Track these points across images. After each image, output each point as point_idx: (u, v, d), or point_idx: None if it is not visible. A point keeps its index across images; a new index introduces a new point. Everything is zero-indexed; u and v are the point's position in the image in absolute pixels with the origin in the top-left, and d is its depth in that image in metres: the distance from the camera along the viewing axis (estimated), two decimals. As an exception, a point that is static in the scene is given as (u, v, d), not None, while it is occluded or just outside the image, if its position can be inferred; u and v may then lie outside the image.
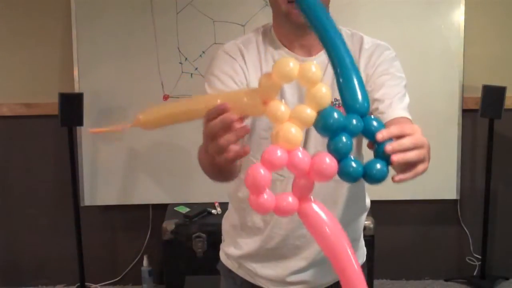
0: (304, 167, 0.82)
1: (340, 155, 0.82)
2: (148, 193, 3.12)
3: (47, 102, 3.03)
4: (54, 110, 2.88)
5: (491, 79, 3.03)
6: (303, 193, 0.85)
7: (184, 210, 2.97)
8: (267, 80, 0.81)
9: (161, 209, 3.08)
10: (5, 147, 3.17)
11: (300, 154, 0.81)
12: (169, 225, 2.87)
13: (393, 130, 0.87)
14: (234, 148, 0.89)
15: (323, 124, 0.82)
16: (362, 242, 1.55)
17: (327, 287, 1.45)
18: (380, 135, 0.85)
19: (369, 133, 0.86)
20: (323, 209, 0.85)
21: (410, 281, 3.33)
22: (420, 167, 0.91)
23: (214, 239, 1.66)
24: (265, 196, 0.83)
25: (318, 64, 0.85)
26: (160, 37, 2.98)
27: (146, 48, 2.98)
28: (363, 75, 1.31)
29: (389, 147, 0.84)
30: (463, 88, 3.08)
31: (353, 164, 0.82)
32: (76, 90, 2.98)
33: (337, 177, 0.83)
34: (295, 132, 0.81)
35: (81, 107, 2.86)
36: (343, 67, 0.88)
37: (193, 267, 2.82)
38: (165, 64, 3.01)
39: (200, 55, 2.98)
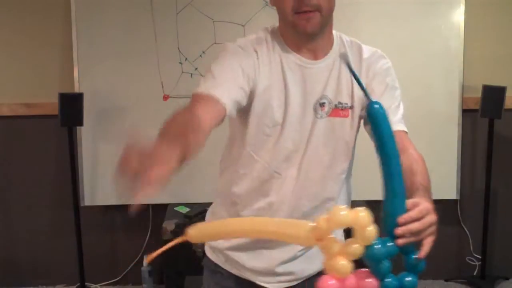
0: None
1: (382, 276, 1.02)
2: (148, 193, 3.11)
3: (47, 102, 3.03)
4: (54, 110, 2.88)
5: (491, 79, 3.03)
6: None
7: (184, 210, 2.98)
8: (324, 224, 0.94)
9: (161, 209, 3.08)
10: (5, 147, 3.17)
11: (350, 280, 0.99)
12: (169, 225, 2.87)
13: (413, 214, 1.01)
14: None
15: (370, 256, 0.98)
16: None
17: (312, 276, 1.46)
18: (403, 220, 1.00)
19: (404, 250, 1.06)
20: None
21: (410, 281, 3.33)
22: (429, 240, 1.07)
23: (214, 239, 1.69)
24: None
25: (368, 211, 0.95)
26: (160, 37, 2.98)
27: (146, 48, 2.98)
28: (364, 83, 1.35)
29: (400, 241, 1.02)
30: (463, 88, 3.09)
31: (392, 282, 1.06)
32: (76, 90, 2.99)
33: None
34: (345, 265, 0.96)
35: (81, 107, 2.86)
36: (394, 192, 1.01)
37: (193, 267, 2.81)
38: (165, 64, 3.01)
39: (200, 55, 2.98)
